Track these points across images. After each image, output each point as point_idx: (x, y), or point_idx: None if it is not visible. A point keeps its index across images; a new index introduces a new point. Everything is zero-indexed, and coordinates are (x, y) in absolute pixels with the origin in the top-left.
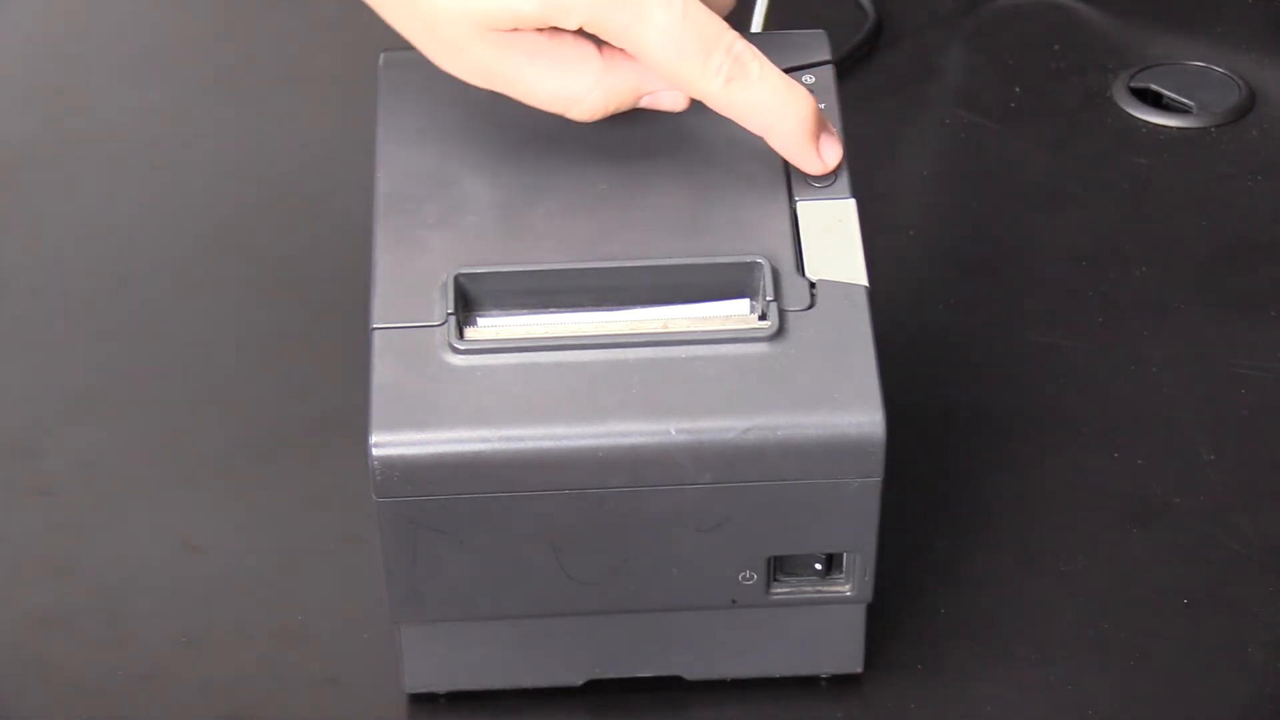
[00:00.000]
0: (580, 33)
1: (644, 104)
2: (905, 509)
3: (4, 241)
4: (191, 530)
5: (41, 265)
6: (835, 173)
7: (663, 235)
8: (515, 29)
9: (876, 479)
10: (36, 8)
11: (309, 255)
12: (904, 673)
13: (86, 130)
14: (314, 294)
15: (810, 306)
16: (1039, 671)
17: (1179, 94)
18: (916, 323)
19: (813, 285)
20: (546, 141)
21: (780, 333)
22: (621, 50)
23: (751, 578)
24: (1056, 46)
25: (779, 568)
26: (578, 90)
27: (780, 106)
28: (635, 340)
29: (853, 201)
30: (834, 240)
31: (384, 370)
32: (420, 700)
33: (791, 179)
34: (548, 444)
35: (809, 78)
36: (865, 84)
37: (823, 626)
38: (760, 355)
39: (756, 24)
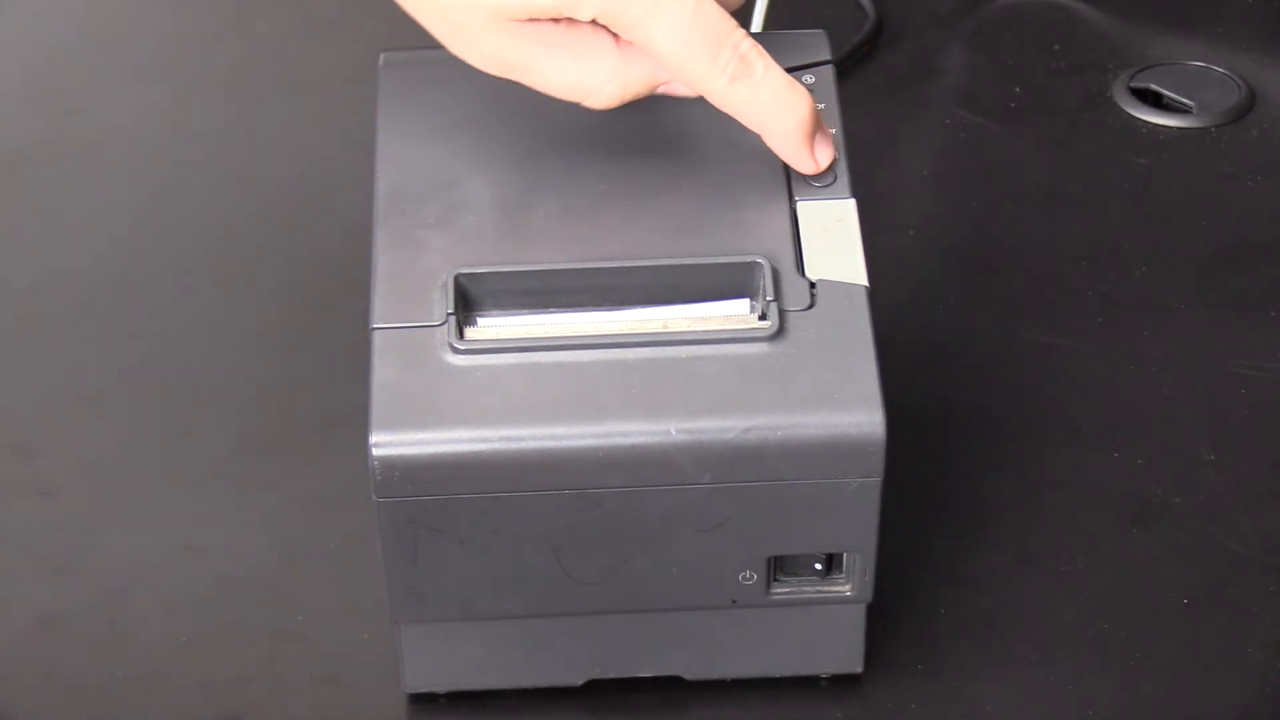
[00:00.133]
0: (595, 23)
1: (660, 91)
2: (905, 509)
3: (4, 241)
4: (191, 531)
5: (41, 265)
6: (835, 172)
7: (663, 235)
8: (531, 19)
9: (876, 479)
10: (36, 8)
11: (309, 255)
12: (904, 673)
13: (86, 130)
14: (314, 294)
15: (810, 306)
16: (1039, 671)
17: (1179, 94)
18: (916, 323)
19: (813, 285)
20: (546, 141)
21: (780, 333)
22: None
23: (751, 578)
24: (1056, 46)
25: (779, 568)
26: (595, 80)
27: (781, 106)
28: (635, 340)
29: (853, 201)
30: (834, 240)
31: (384, 370)
32: (420, 700)
33: (791, 179)
34: (548, 444)
35: (809, 78)
36: (865, 84)
37: (823, 626)
38: (760, 355)
39: (756, 24)
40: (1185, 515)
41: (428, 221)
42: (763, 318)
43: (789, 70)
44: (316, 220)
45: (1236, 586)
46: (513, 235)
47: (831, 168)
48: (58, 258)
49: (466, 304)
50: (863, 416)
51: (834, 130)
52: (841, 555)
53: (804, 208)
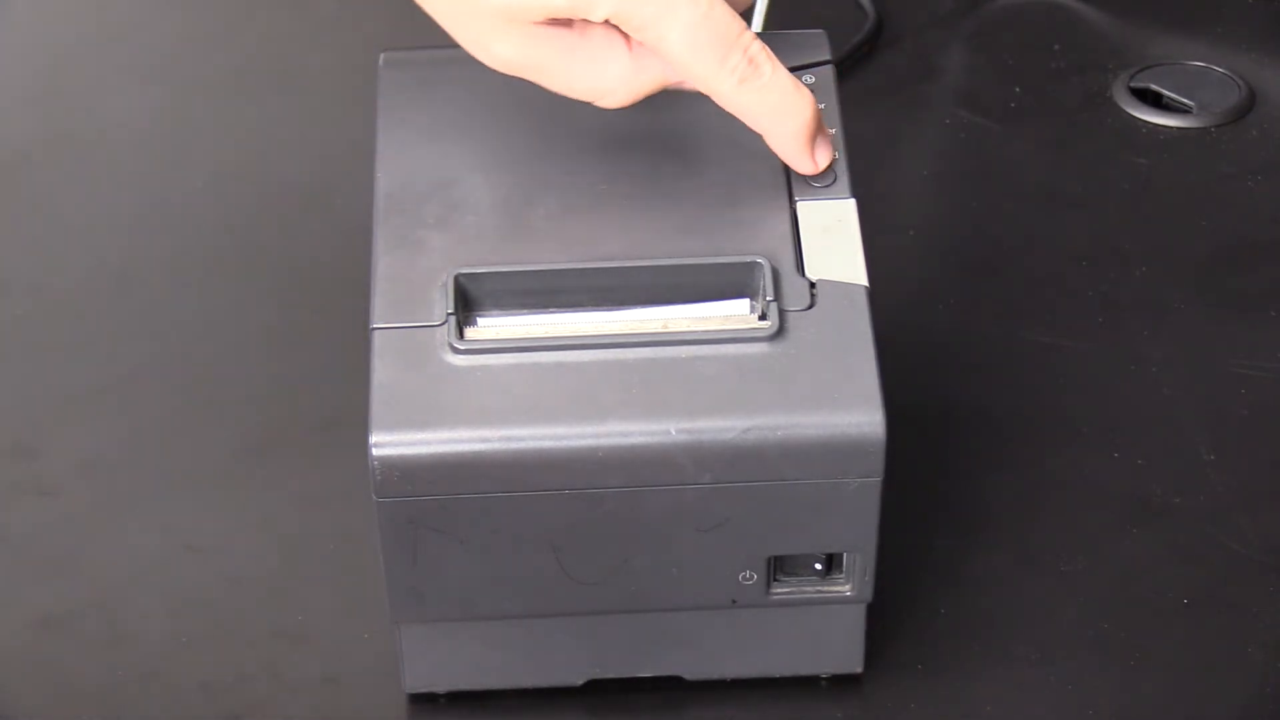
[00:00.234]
0: (607, 24)
1: (671, 85)
2: (905, 509)
3: (4, 241)
4: (191, 531)
5: (41, 265)
6: (835, 173)
7: (663, 235)
8: (546, 20)
9: (876, 479)
10: (36, 8)
11: (309, 255)
12: (904, 673)
13: (86, 130)
14: (314, 294)
15: (810, 306)
16: (1039, 671)
17: (1179, 94)
18: (916, 323)
19: (813, 285)
20: (546, 141)
21: (780, 333)
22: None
23: (751, 578)
24: (1056, 46)
25: (779, 568)
26: (607, 82)
27: (786, 109)
28: (635, 340)
29: (853, 201)
30: (834, 240)
31: (384, 370)
32: (420, 700)
33: (791, 179)
34: (548, 444)
35: (809, 78)
36: (865, 84)
37: (823, 626)
38: (760, 355)
39: (756, 24)
40: (1185, 515)
41: (428, 221)
42: (763, 318)
43: (789, 70)
44: (316, 220)
45: (1236, 586)
46: (513, 235)
47: (831, 168)
48: (58, 258)
49: (466, 304)
50: (863, 416)
51: (834, 130)
52: (841, 555)
53: (804, 208)
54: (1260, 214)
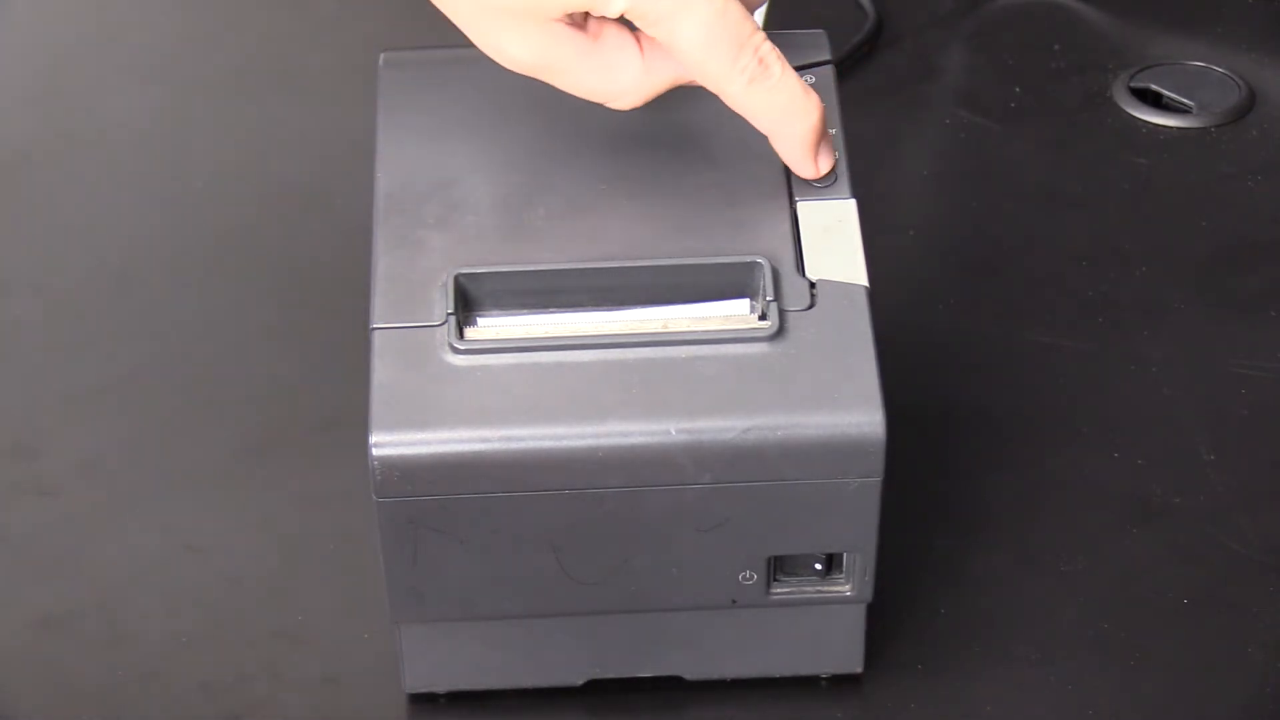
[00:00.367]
0: (620, 21)
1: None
2: (905, 509)
3: (4, 241)
4: (191, 530)
5: (41, 265)
6: (835, 173)
7: (663, 235)
8: (562, 18)
9: (876, 479)
10: (36, 8)
11: (309, 255)
12: (904, 673)
13: (86, 130)
14: (314, 294)
15: (810, 306)
16: (1039, 671)
17: (1179, 94)
18: (916, 323)
19: (813, 285)
20: (547, 141)
21: (780, 333)
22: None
23: (751, 578)
24: (1056, 46)
25: (779, 568)
26: (620, 85)
27: (794, 112)
28: (635, 340)
29: (853, 201)
30: (834, 240)
31: (384, 370)
32: (420, 700)
33: (792, 179)
34: (548, 444)
35: (809, 78)
36: (865, 84)
37: (823, 626)
38: (760, 355)
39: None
40: (1185, 515)
41: (428, 221)
42: (763, 318)
43: None
44: (316, 220)
45: (1236, 586)
46: (513, 235)
47: (832, 169)
48: (58, 258)
49: (466, 304)
50: (863, 416)
51: (834, 130)
52: (841, 555)
53: (804, 208)
54: (1260, 214)
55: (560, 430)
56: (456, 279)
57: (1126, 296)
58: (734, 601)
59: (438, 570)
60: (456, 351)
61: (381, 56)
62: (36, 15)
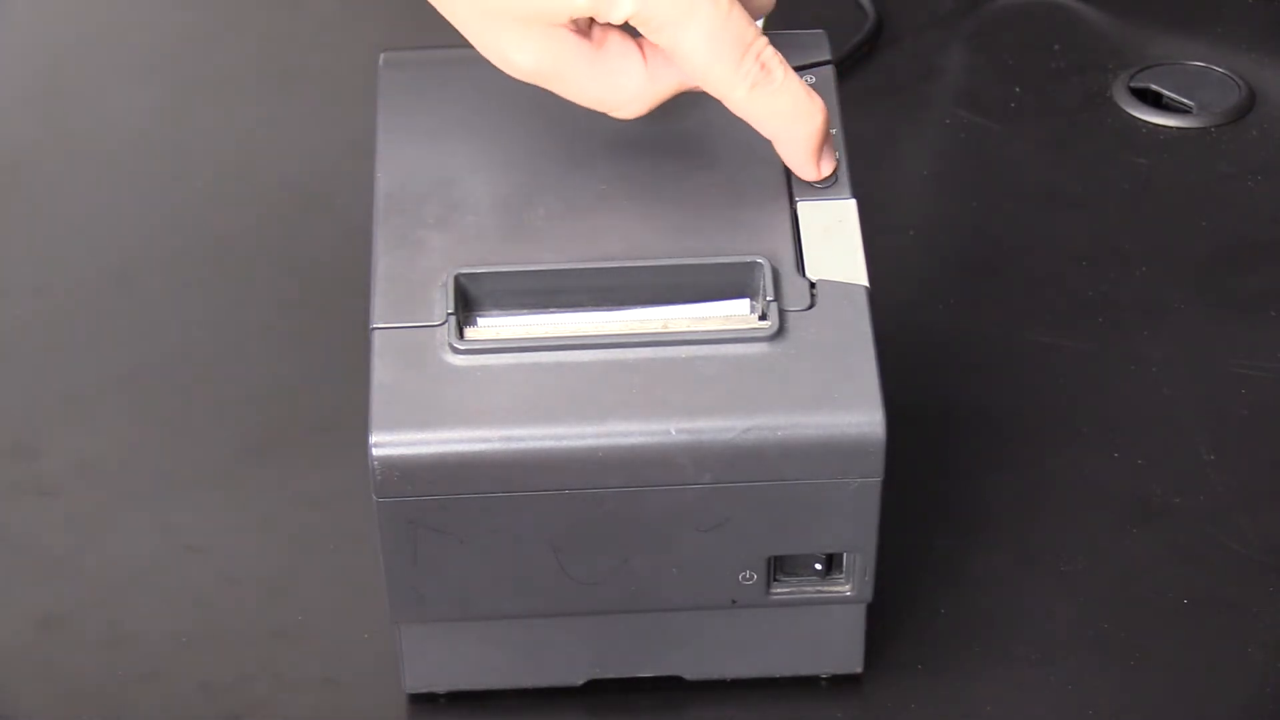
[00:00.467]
0: (625, 27)
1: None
2: (905, 509)
3: (4, 241)
4: (191, 530)
5: (41, 265)
6: (835, 173)
7: (663, 235)
8: (566, 23)
9: (876, 479)
10: (36, 8)
11: (309, 255)
12: (904, 673)
13: (86, 130)
14: (314, 294)
15: (810, 306)
16: (1039, 671)
17: (1179, 94)
18: (916, 323)
19: (813, 285)
20: (547, 141)
21: (780, 333)
22: (657, 47)
23: (751, 578)
24: (1056, 46)
25: (779, 568)
26: (624, 94)
27: (797, 116)
28: (635, 340)
29: (853, 201)
30: (834, 240)
31: (384, 370)
32: (420, 700)
33: (792, 179)
34: (548, 444)
35: (809, 78)
36: (865, 84)
37: (823, 626)
38: (760, 355)
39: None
40: (1185, 515)
41: (428, 221)
42: (763, 318)
43: None
44: (316, 220)
45: (1236, 586)
46: (513, 235)
47: (834, 171)
48: (58, 258)
49: (466, 304)
50: (863, 416)
51: (834, 130)
52: (841, 555)
53: (804, 208)
54: (1260, 214)
55: (560, 430)
56: (456, 279)
57: (1126, 296)
58: (734, 601)
59: (437, 570)
60: (456, 351)
61: (381, 57)
62: (36, 15)
